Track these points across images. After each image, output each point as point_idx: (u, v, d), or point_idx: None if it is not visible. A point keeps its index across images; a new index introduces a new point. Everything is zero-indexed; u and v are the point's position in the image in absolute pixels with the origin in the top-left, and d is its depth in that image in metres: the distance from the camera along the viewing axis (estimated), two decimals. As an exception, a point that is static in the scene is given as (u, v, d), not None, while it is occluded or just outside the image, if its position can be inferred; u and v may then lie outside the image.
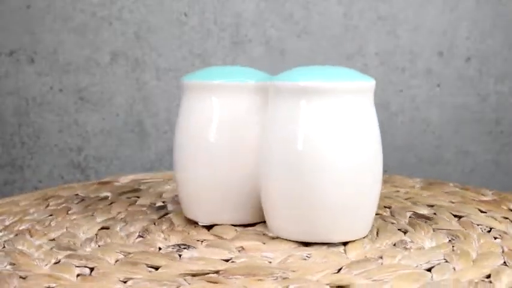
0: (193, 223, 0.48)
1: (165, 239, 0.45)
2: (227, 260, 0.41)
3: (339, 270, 0.39)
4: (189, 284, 0.37)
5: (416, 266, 0.40)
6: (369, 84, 0.46)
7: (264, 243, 0.44)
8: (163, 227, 0.47)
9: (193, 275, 0.38)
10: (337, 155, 0.42)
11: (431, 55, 0.81)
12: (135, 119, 0.81)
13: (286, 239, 0.44)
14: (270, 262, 0.40)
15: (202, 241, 0.44)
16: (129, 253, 0.42)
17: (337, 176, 0.42)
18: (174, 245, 0.43)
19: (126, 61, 0.80)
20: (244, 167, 0.46)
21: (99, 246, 0.44)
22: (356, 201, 0.43)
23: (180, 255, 0.42)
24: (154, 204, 0.54)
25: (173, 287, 0.36)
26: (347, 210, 0.43)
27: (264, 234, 0.46)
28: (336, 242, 0.44)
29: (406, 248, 0.43)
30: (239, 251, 0.42)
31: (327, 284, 0.37)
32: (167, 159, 0.82)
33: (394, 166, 0.82)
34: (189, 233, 0.46)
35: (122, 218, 0.50)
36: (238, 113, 0.45)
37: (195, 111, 0.46)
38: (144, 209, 0.53)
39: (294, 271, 0.39)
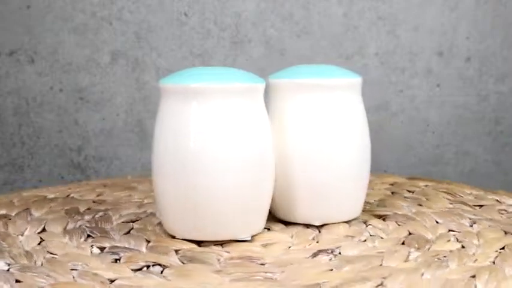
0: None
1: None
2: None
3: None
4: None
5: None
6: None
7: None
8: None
9: None
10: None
11: (431, 55, 0.81)
12: (135, 119, 0.81)
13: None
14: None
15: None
16: None
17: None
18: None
19: (126, 61, 0.80)
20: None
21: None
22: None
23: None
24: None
25: None
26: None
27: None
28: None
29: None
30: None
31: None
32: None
33: (394, 166, 0.82)
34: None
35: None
36: (222, 118, 0.44)
37: (175, 117, 0.45)
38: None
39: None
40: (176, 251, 0.43)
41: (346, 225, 0.49)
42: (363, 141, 0.49)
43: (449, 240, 0.45)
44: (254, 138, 0.44)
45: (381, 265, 0.41)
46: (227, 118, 0.44)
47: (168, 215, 0.45)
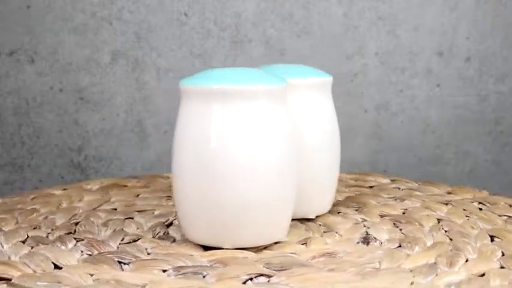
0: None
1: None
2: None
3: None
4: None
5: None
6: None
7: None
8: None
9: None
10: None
11: (431, 55, 0.81)
12: (135, 119, 0.81)
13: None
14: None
15: None
16: None
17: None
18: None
19: (126, 61, 0.80)
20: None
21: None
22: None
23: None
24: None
25: None
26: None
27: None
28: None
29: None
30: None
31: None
32: (167, 160, 0.82)
33: (394, 166, 0.83)
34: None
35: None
36: (245, 120, 0.43)
37: (199, 120, 0.43)
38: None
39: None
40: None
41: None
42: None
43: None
44: (277, 141, 0.43)
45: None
46: (250, 121, 0.42)
47: (190, 220, 0.44)
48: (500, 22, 0.81)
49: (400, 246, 0.44)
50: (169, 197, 0.57)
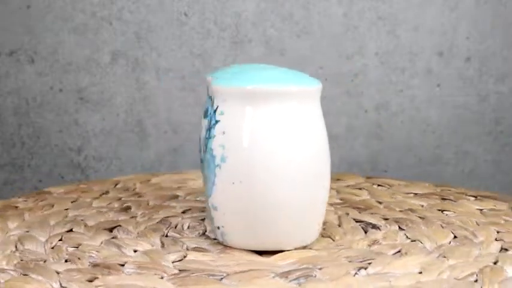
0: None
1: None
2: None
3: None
4: None
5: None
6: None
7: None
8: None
9: None
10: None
11: (431, 55, 0.81)
12: (135, 119, 0.81)
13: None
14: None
15: None
16: None
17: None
18: None
19: (126, 61, 0.80)
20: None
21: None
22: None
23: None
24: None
25: None
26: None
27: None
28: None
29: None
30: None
31: None
32: (167, 160, 0.82)
33: (393, 166, 0.82)
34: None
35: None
36: (279, 122, 0.42)
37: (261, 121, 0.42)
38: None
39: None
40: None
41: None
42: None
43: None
44: (312, 142, 0.43)
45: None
46: (284, 122, 0.42)
47: (226, 224, 0.43)
48: (500, 22, 0.81)
49: None
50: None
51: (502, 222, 0.50)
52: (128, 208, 0.54)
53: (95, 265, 0.41)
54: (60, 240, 0.46)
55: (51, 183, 0.81)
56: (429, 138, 0.83)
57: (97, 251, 0.44)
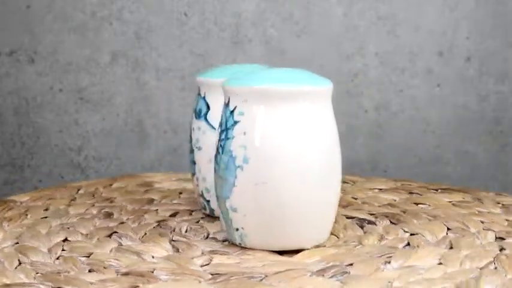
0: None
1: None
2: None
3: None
4: None
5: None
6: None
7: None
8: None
9: None
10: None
11: (431, 55, 0.81)
12: (135, 119, 0.81)
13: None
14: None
15: None
16: None
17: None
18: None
19: (126, 61, 0.80)
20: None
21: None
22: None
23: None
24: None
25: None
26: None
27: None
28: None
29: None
30: None
31: None
32: (167, 160, 0.82)
33: (394, 166, 0.82)
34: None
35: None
36: (292, 122, 0.42)
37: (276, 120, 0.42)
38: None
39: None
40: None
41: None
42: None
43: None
44: (327, 142, 0.43)
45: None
46: (304, 122, 0.42)
47: (246, 225, 0.43)
48: (500, 22, 0.81)
49: None
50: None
51: (477, 212, 0.53)
52: (110, 214, 0.53)
53: (124, 274, 0.40)
54: (64, 250, 0.45)
55: (51, 183, 0.81)
56: (429, 138, 0.83)
57: (116, 259, 0.43)
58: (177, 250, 0.45)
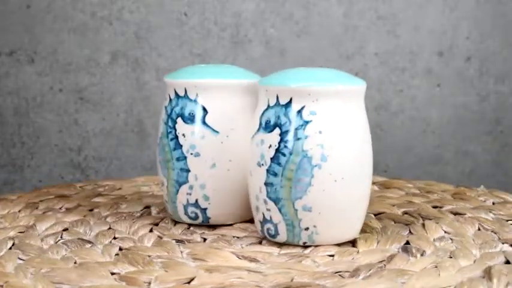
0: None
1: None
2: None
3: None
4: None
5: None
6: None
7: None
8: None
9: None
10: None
11: (431, 55, 0.81)
12: (135, 119, 0.81)
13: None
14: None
15: None
16: None
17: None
18: None
19: (126, 61, 0.80)
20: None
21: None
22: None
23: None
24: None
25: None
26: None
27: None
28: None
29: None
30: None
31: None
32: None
33: (394, 166, 0.82)
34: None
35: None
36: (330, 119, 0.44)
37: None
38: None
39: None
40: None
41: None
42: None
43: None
44: (370, 137, 0.45)
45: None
46: (364, 118, 0.44)
47: (319, 223, 0.44)
48: (500, 22, 0.81)
49: None
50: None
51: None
52: (105, 217, 0.52)
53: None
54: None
55: (51, 183, 0.81)
56: (429, 138, 0.83)
57: (167, 252, 0.43)
58: (254, 260, 0.43)
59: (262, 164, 0.44)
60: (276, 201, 0.44)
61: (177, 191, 0.49)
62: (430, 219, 0.51)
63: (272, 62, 0.80)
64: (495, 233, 0.47)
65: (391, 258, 0.42)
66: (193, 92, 0.48)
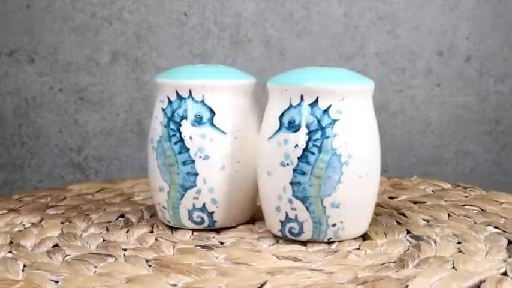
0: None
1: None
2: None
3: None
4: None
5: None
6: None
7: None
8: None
9: None
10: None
11: (431, 55, 0.81)
12: (135, 119, 0.81)
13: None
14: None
15: None
16: None
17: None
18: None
19: (126, 61, 0.80)
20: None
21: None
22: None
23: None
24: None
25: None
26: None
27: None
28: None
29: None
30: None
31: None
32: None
33: (394, 166, 0.82)
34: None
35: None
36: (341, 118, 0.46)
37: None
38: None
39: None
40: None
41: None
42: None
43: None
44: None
45: None
46: (372, 117, 0.46)
47: (346, 219, 0.45)
48: (500, 22, 0.81)
49: None
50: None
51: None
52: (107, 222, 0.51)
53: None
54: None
55: (51, 183, 0.81)
56: (429, 138, 0.83)
57: (203, 259, 0.42)
58: (297, 260, 0.42)
59: (288, 164, 0.44)
60: (303, 199, 0.44)
61: (182, 196, 0.47)
62: (401, 209, 0.53)
63: (272, 62, 0.80)
64: (468, 218, 0.50)
65: (418, 247, 0.43)
66: (200, 93, 0.47)
